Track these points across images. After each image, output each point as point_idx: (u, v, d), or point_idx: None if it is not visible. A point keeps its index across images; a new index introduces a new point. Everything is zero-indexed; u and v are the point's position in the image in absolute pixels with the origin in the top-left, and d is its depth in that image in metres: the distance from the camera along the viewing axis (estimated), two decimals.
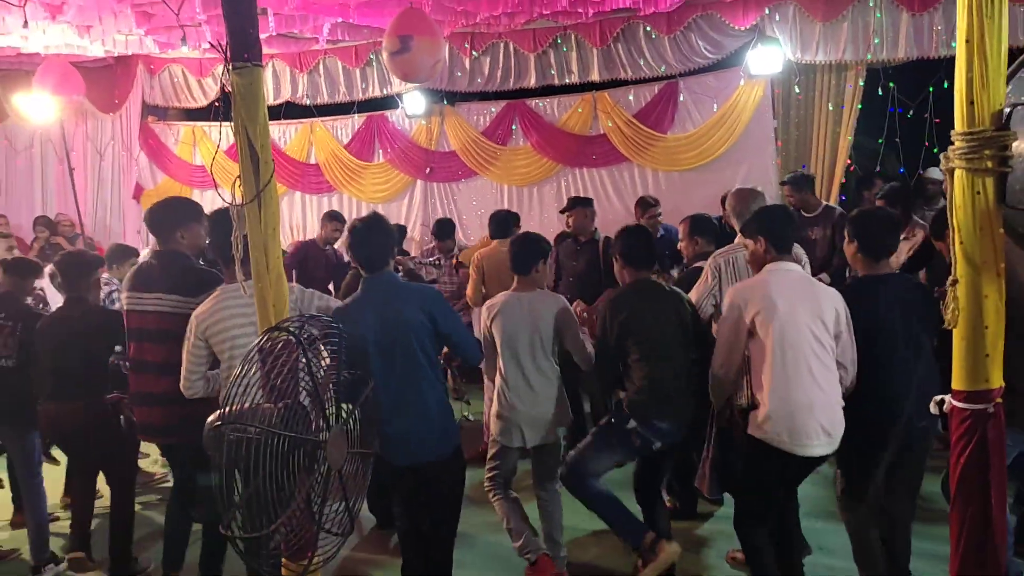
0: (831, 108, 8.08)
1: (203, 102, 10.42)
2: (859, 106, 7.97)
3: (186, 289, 3.72)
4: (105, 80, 10.43)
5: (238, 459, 2.17)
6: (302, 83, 10.02)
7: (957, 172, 2.24)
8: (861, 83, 7.92)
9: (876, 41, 7.62)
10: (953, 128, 2.26)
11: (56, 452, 5.84)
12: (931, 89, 7.59)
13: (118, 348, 4.47)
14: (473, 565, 4.33)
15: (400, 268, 4.58)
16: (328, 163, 10.27)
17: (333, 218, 7.55)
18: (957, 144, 2.23)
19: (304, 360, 2.35)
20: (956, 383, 2.32)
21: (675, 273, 5.87)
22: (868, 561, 3.54)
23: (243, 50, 2.56)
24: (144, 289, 3.82)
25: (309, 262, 7.33)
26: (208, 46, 7.97)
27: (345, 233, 6.30)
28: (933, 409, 2.46)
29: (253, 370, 2.27)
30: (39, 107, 8.77)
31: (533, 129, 9.37)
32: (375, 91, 9.79)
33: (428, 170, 9.88)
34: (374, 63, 9.61)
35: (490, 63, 9.23)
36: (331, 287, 7.16)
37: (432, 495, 3.46)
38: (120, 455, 4.47)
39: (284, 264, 2.77)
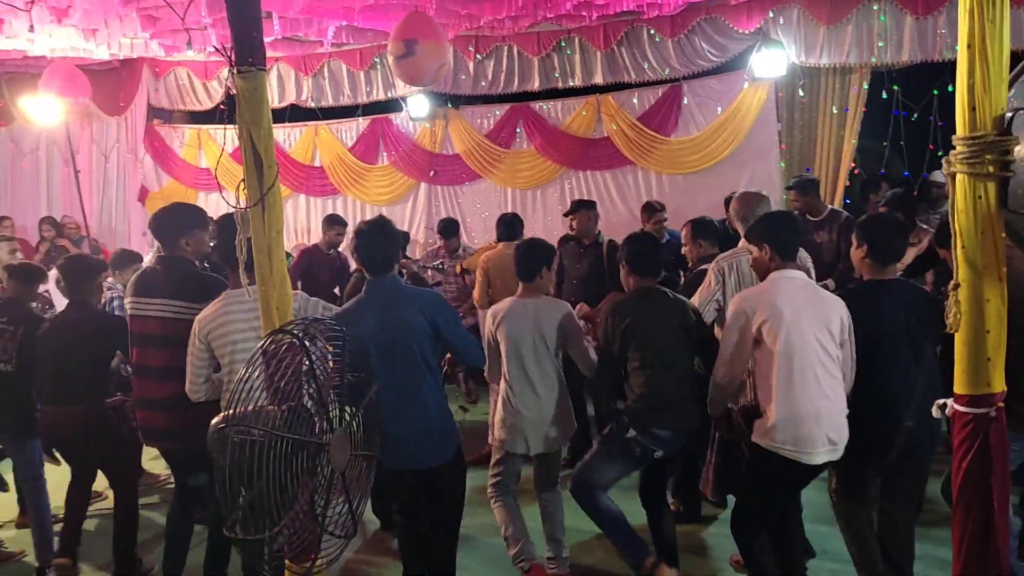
0: (835, 111, 8.07)
1: (208, 105, 10.42)
2: (863, 109, 7.96)
3: (189, 295, 3.72)
4: (111, 83, 10.45)
5: (242, 461, 2.18)
6: (307, 86, 10.03)
7: (959, 177, 2.25)
8: (865, 86, 7.90)
9: (880, 44, 7.61)
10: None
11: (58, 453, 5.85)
12: (935, 92, 7.59)
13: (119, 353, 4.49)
14: (476, 567, 4.34)
15: (404, 272, 4.59)
16: (332, 166, 10.28)
17: (334, 222, 7.55)
18: (959, 149, 2.23)
19: (308, 363, 2.35)
20: (958, 387, 2.33)
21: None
22: (866, 562, 3.54)
23: (247, 54, 2.57)
24: (148, 294, 3.82)
25: (313, 266, 7.33)
26: (213, 49, 7.99)
27: (350, 235, 6.32)
28: (935, 413, 2.47)
29: (257, 373, 2.28)
30: (45, 110, 8.81)
31: (537, 132, 9.38)
32: (379, 94, 9.81)
33: (432, 173, 9.89)
34: (378, 66, 9.62)
35: (494, 66, 9.24)
36: (336, 291, 7.16)
37: (433, 498, 3.47)
38: (121, 457, 4.48)
39: (289, 273, 2.78)
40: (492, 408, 4.75)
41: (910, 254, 5.35)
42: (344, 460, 2.51)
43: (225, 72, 2.72)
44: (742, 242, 4.11)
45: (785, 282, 3.43)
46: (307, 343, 2.35)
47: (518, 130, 9.52)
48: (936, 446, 3.59)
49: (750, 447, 3.48)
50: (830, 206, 6.60)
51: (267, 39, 6.75)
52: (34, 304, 5.04)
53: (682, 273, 5.95)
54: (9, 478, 5.42)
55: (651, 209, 6.98)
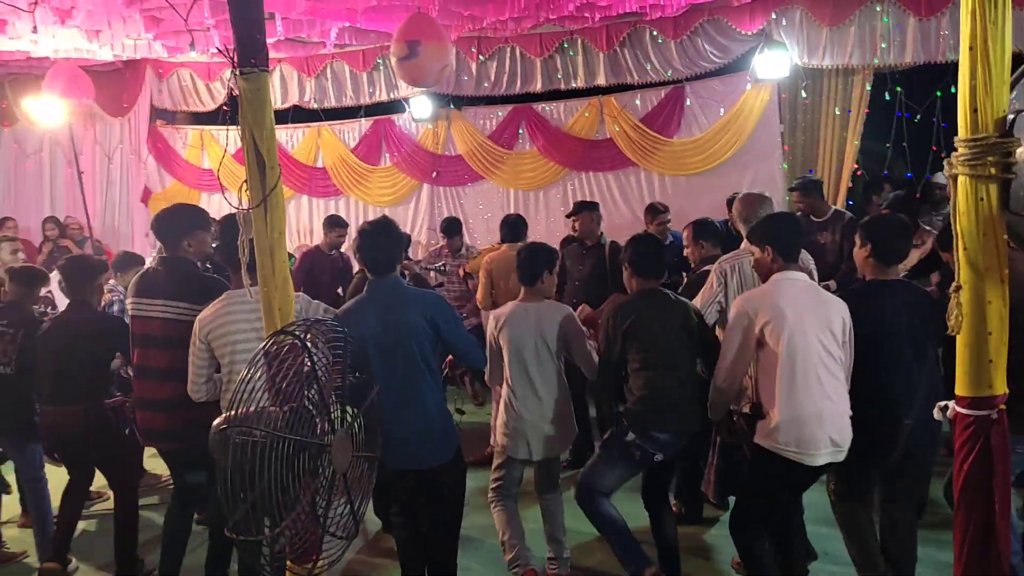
0: (838, 112, 8.05)
1: (211, 106, 10.45)
2: (866, 111, 7.95)
3: (191, 296, 3.72)
4: (114, 84, 10.46)
5: (244, 462, 2.18)
6: (309, 87, 10.05)
7: (961, 179, 2.24)
8: (868, 88, 7.88)
9: (883, 46, 7.60)
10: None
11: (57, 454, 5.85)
12: (939, 94, 7.58)
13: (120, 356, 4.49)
14: (476, 568, 4.34)
15: (407, 273, 4.60)
16: (335, 167, 10.30)
17: (336, 224, 7.56)
18: (960, 151, 2.23)
19: (309, 364, 2.36)
20: (960, 389, 2.33)
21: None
22: (867, 563, 3.54)
23: (250, 55, 2.57)
24: (149, 295, 3.82)
25: (315, 268, 7.35)
26: (216, 50, 8.00)
27: (352, 236, 6.34)
28: (937, 415, 2.47)
29: (259, 374, 2.28)
30: (48, 111, 8.84)
31: (539, 133, 9.39)
32: (382, 95, 9.82)
33: (435, 174, 9.91)
34: (381, 67, 9.64)
35: (497, 67, 9.24)
36: (340, 291, 7.16)
37: (433, 498, 3.48)
38: (121, 458, 4.48)
39: (293, 276, 2.79)
40: (495, 411, 4.75)
41: (914, 255, 5.35)
42: (346, 461, 2.51)
43: (228, 73, 2.72)
44: (744, 243, 4.11)
45: (788, 283, 3.43)
46: (309, 344, 2.35)
47: (520, 131, 9.53)
48: (937, 447, 3.59)
49: (752, 448, 3.47)
50: (834, 207, 6.59)
51: (270, 40, 6.76)
52: (37, 307, 5.03)
53: (684, 275, 5.95)
54: (11, 479, 5.43)
55: (655, 211, 6.98)
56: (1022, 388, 2.70)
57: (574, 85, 9.03)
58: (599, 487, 3.86)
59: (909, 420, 3.36)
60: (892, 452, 3.44)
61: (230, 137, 2.83)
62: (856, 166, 8.14)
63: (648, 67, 8.64)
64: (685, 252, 5.05)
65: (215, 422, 2.34)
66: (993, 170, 2.18)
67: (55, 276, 5.58)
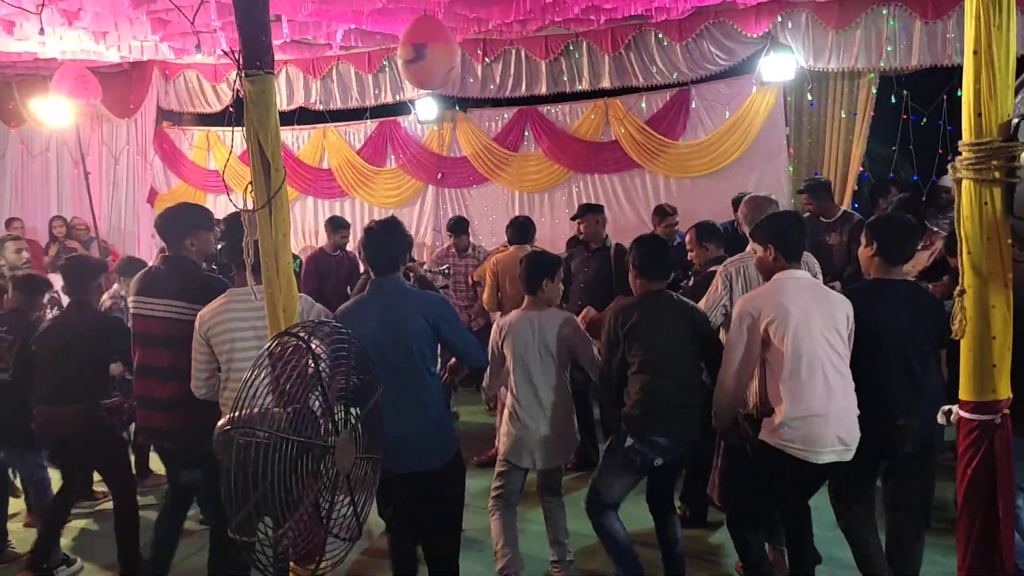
0: (844, 115, 8.04)
1: (217, 107, 10.49)
2: (872, 114, 7.94)
3: (192, 295, 3.71)
4: (121, 85, 10.51)
5: (247, 463, 2.18)
6: (315, 89, 10.07)
7: (965, 183, 2.25)
8: (874, 91, 7.88)
9: (889, 49, 7.58)
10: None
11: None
12: (945, 97, 7.57)
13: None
14: (477, 569, 4.34)
15: (412, 275, 4.61)
16: (340, 168, 10.32)
17: (339, 225, 7.63)
18: (965, 155, 2.23)
19: (313, 365, 2.36)
20: (963, 393, 2.32)
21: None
22: (867, 564, 3.53)
23: (256, 57, 2.58)
24: (151, 294, 3.82)
25: (320, 269, 7.39)
26: (222, 52, 8.03)
27: (360, 234, 6.36)
28: (941, 420, 2.46)
29: (263, 375, 2.29)
30: (55, 111, 8.87)
31: (545, 135, 9.39)
32: (387, 97, 9.85)
33: (440, 176, 9.92)
34: (387, 69, 9.66)
35: (502, 69, 9.26)
36: (349, 290, 7.17)
37: (433, 498, 3.47)
38: (121, 457, 4.48)
39: (301, 279, 2.79)
40: (499, 418, 4.76)
41: (924, 257, 5.34)
42: (349, 462, 2.51)
43: (234, 75, 2.71)
44: (749, 247, 4.10)
45: (791, 282, 3.41)
46: (312, 346, 2.36)
47: (526, 133, 9.54)
48: (940, 450, 3.57)
49: (757, 445, 3.44)
50: (843, 208, 6.56)
51: (276, 42, 6.78)
52: (40, 313, 5.00)
53: (686, 277, 5.95)
54: (19, 483, 5.43)
55: (663, 213, 6.97)
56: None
57: (579, 87, 9.04)
58: (607, 498, 3.84)
59: (906, 420, 3.35)
60: (890, 452, 3.43)
61: (236, 138, 2.84)
62: (862, 169, 8.13)
63: (653, 69, 8.65)
64: (689, 256, 5.04)
65: (219, 423, 2.35)
66: (997, 174, 2.18)
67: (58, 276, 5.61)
